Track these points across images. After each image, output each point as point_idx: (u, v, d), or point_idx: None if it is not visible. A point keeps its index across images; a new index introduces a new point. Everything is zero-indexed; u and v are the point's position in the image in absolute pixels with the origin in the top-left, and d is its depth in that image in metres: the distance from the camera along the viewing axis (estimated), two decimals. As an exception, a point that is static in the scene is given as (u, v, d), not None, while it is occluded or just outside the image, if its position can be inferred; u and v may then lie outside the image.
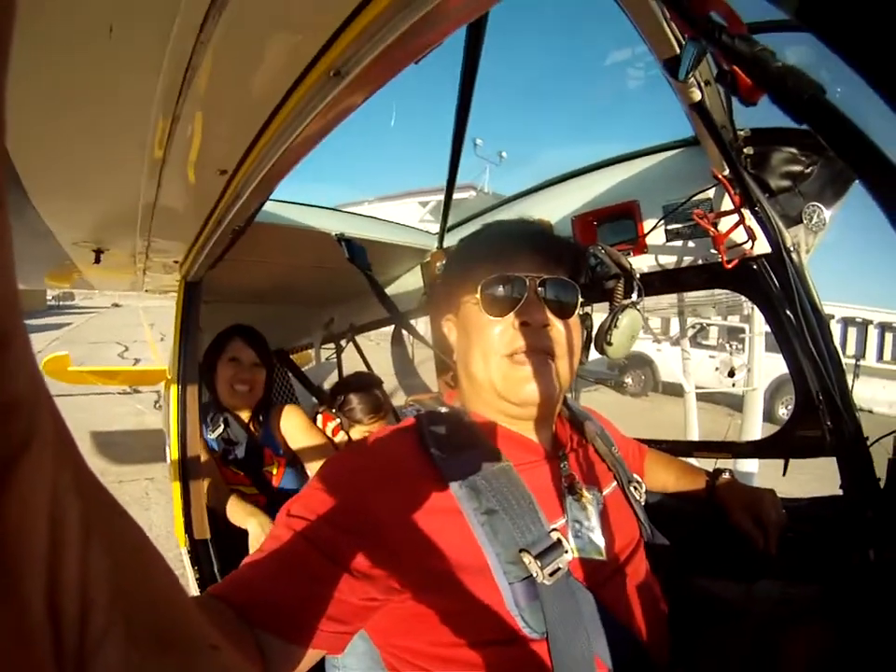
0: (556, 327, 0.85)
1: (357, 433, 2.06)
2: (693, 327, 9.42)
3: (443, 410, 0.90)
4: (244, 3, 0.51)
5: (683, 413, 3.40)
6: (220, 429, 1.89)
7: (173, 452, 1.60)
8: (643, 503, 1.01)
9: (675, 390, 7.73)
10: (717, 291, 2.46)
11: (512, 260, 0.85)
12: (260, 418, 1.98)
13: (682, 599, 0.98)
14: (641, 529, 0.96)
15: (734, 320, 9.46)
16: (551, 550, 0.73)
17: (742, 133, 1.29)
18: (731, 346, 9.40)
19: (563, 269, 0.89)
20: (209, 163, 0.88)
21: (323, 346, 3.36)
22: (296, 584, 0.65)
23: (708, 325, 10.22)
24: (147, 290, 2.79)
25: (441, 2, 0.45)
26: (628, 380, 10.87)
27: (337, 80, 0.57)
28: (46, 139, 0.82)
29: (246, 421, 1.96)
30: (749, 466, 2.78)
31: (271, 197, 1.74)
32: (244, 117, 0.73)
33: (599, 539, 0.84)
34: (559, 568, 0.73)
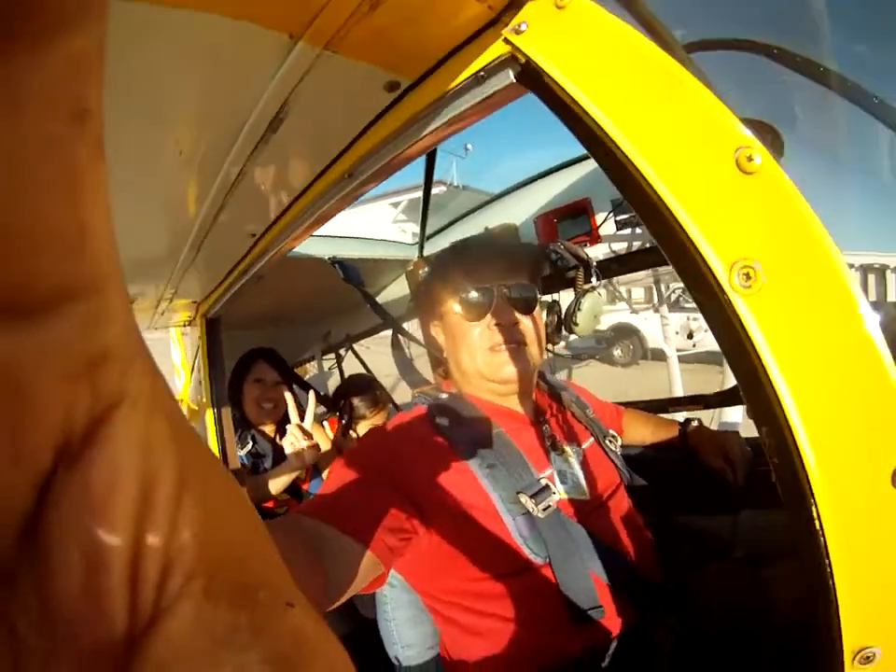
0: (523, 321, 1.05)
1: (363, 428, 2.22)
2: (674, 292, 9.34)
3: (443, 396, 1.09)
4: (282, 136, 0.73)
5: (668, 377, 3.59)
6: (249, 446, 2.04)
7: None
8: (619, 453, 1.17)
9: (664, 356, 7.72)
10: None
11: (482, 273, 1.04)
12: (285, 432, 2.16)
13: (668, 534, 1.10)
14: (620, 474, 1.12)
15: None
16: (542, 492, 0.91)
17: None
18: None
19: (522, 271, 1.09)
20: (243, 229, 1.10)
21: (324, 357, 3.53)
22: (361, 494, 0.82)
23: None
24: (155, 328, 2.96)
25: (422, 137, 0.66)
26: (617, 351, 10.75)
27: (350, 180, 0.79)
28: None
29: (272, 434, 2.12)
30: (733, 416, 2.91)
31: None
32: (276, 199, 0.96)
33: (582, 483, 1.02)
34: (550, 506, 0.90)
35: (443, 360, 1.16)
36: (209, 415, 1.89)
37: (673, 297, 7.96)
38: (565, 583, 0.87)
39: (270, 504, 2.00)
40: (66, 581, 0.13)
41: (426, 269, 1.21)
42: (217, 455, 1.73)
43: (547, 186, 1.97)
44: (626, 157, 0.47)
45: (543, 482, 0.94)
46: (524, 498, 0.90)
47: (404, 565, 0.96)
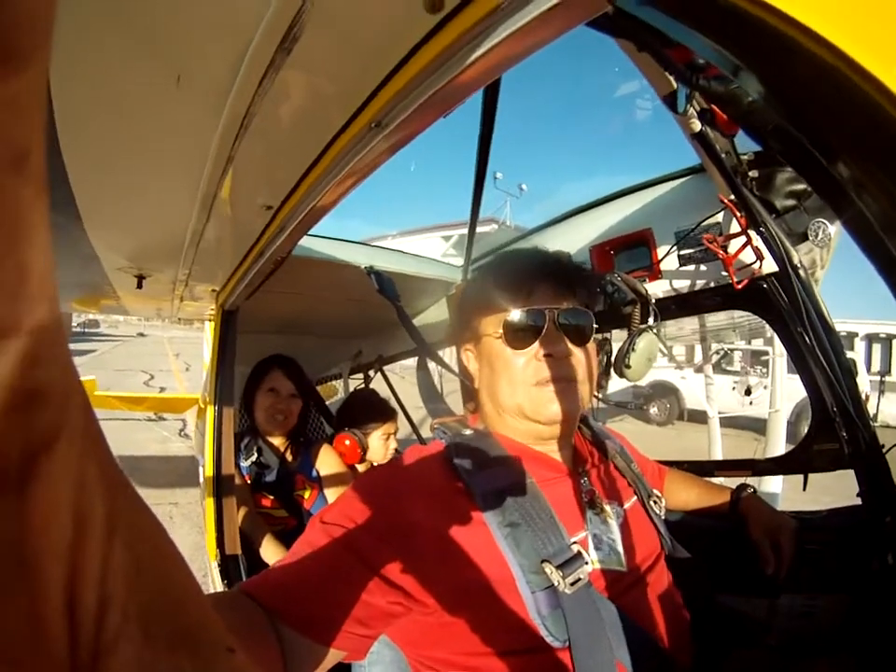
0: (576, 354, 0.89)
1: (375, 439, 2.21)
2: (717, 352, 9.31)
3: (468, 432, 0.93)
4: (298, 61, 0.59)
5: (708, 440, 3.40)
6: (254, 457, 1.97)
7: (207, 469, 1.68)
8: (663, 517, 1.03)
9: (700, 418, 7.68)
10: (737, 315, 2.48)
11: (531, 292, 0.90)
12: (298, 447, 2.08)
13: (705, 613, 0.99)
14: (662, 542, 0.98)
15: (757, 344, 9.36)
16: (572, 561, 0.76)
17: (746, 157, 1.34)
18: (755, 370, 9.25)
19: (577, 296, 0.93)
20: (257, 200, 0.97)
21: (351, 377, 3.42)
22: (326, 584, 0.69)
23: (731, 350, 10.12)
24: (179, 318, 2.91)
25: (467, 67, 0.52)
26: (654, 409, 10.76)
27: (377, 131, 0.65)
28: (107, 172, 0.91)
29: (279, 447, 2.05)
30: (773, 486, 2.77)
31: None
32: (292, 159, 0.82)
33: (620, 551, 0.87)
34: (580, 579, 0.76)
35: (473, 391, 1.01)
36: (209, 414, 1.75)
37: (714, 358, 7.90)
38: (583, 671, 0.72)
39: (266, 504, 1.96)
40: (4, 607, 0.13)
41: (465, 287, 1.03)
42: (212, 459, 1.60)
43: (605, 214, 1.84)
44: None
45: (575, 548, 0.79)
46: (549, 569, 0.75)
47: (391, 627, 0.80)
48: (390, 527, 0.74)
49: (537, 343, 0.88)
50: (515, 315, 0.88)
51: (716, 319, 3.31)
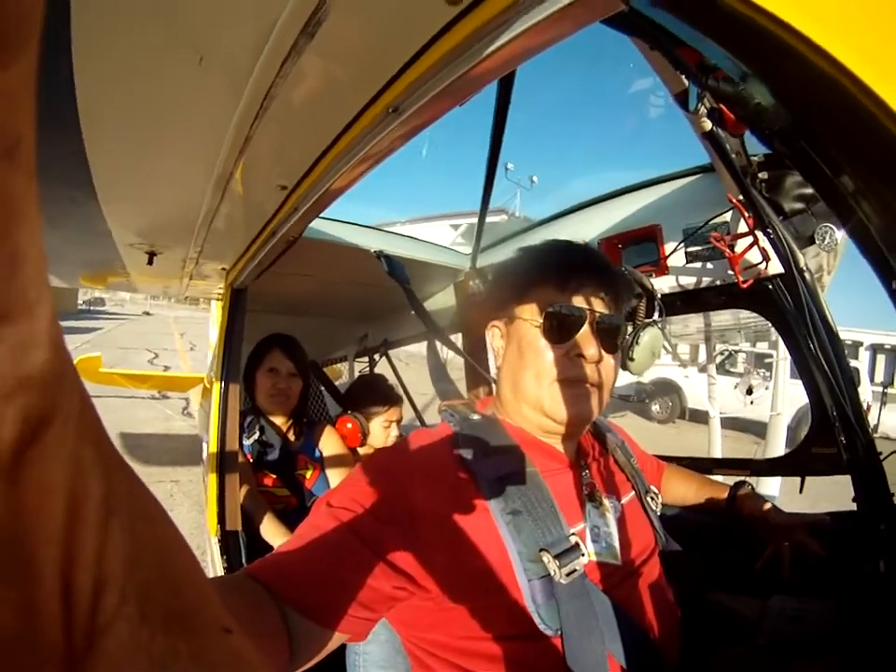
0: (605, 360, 0.90)
1: (376, 425, 2.23)
2: (721, 353, 9.28)
3: (475, 417, 0.93)
4: (320, 45, 0.61)
5: (708, 439, 3.41)
6: (256, 434, 1.99)
7: (211, 445, 1.70)
8: (658, 513, 1.04)
9: (701, 417, 7.67)
10: (742, 317, 2.48)
11: (577, 289, 0.89)
12: (300, 427, 2.10)
13: (696, 609, 1.01)
14: (656, 538, 0.99)
15: (762, 347, 9.33)
16: (569, 552, 0.77)
17: (756, 158, 1.34)
18: (758, 373, 9.23)
19: (616, 302, 0.93)
20: (271, 180, 0.98)
21: (356, 360, 3.44)
22: (331, 568, 0.69)
23: (736, 351, 10.10)
24: (186, 297, 2.93)
25: (485, 58, 0.54)
26: (655, 406, 10.80)
27: (394, 116, 0.66)
28: (124, 149, 0.92)
29: (281, 426, 2.07)
30: (770, 488, 2.77)
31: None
32: (309, 140, 0.83)
33: (615, 545, 0.88)
34: (575, 570, 0.76)
35: (485, 373, 1.01)
36: (215, 391, 1.77)
37: (718, 358, 7.88)
38: (573, 660, 0.73)
39: (268, 483, 1.97)
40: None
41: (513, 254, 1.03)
42: (216, 435, 1.62)
43: (615, 208, 1.85)
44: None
45: (573, 539, 0.80)
46: (546, 558, 0.76)
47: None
48: (396, 512, 0.75)
49: (573, 341, 0.88)
50: (560, 308, 0.88)
51: (721, 320, 3.31)
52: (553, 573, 0.75)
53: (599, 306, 0.90)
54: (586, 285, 0.90)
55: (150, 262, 1.64)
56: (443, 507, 0.77)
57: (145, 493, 0.19)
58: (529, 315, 0.91)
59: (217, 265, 1.78)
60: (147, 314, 36.43)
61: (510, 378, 0.94)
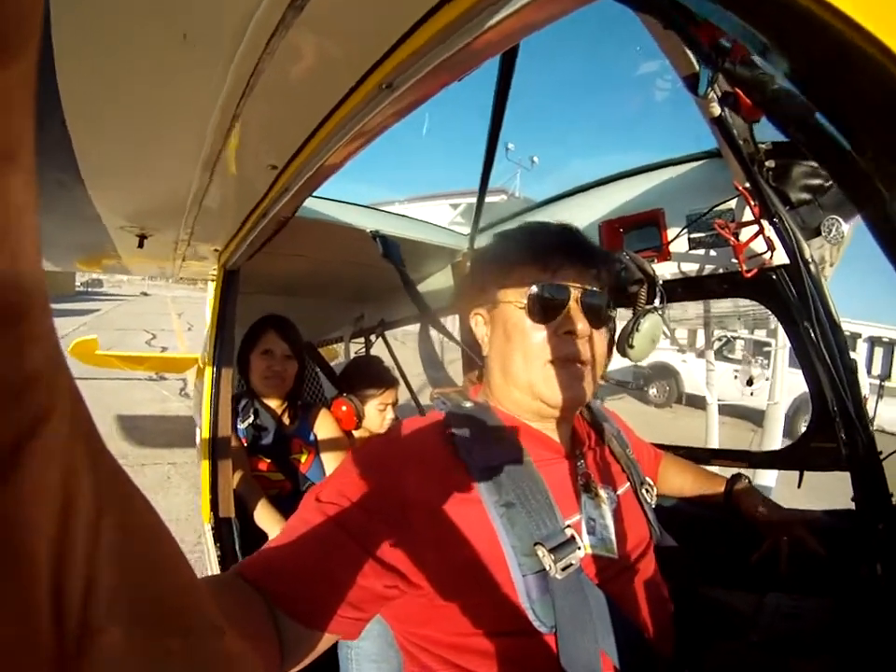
0: (595, 336, 0.88)
1: (372, 408, 2.21)
2: (720, 339, 9.31)
3: (468, 405, 0.92)
4: (310, 19, 0.57)
5: (705, 425, 3.40)
6: (251, 418, 1.96)
7: (204, 431, 1.67)
8: (653, 506, 1.02)
9: (698, 403, 7.71)
10: (742, 304, 2.46)
11: (559, 268, 0.88)
12: (295, 411, 2.08)
13: (690, 604, 0.99)
14: (651, 531, 0.98)
15: (760, 334, 9.35)
16: (564, 545, 0.75)
17: (763, 146, 1.31)
18: (756, 360, 9.28)
19: (599, 280, 0.92)
20: (261, 159, 0.94)
21: (352, 341, 3.41)
22: (321, 569, 0.68)
23: (735, 338, 10.12)
24: (181, 278, 2.89)
25: (485, 32, 0.50)
26: (652, 390, 10.80)
27: (388, 92, 0.63)
28: (108, 129, 0.89)
29: (276, 410, 2.04)
30: (766, 480, 2.77)
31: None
32: (299, 118, 0.79)
33: (612, 537, 0.86)
34: (571, 564, 0.74)
35: (478, 360, 0.99)
36: (207, 375, 1.75)
37: (717, 344, 7.91)
38: (567, 658, 0.71)
39: (263, 468, 1.95)
40: None
41: (491, 241, 1.01)
42: (208, 420, 1.60)
43: (617, 191, 1.81)
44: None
45: (569, 532, 0.78)
46: (541, 552, 0.74)
47: None
48: (386, 504, 0.73)
49: (559, 319, 0.86)
50: (543, 287, 0.86)
51: (721, 306, 3.29)
52: (548, 568, 0.73)
53: (583, 282, 0.89)
54: (568, 263, 0.89)
55: (141, 245, 1.60)
56: (435, 498, 0.75)
57: (135, 493, 0.19)
58: (513, 297, 0.89)
59: (210, 246, 1.74)
60: (145, 294, 36.39)
61: (499, 363, 0.92)
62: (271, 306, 2.19)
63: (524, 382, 0.88)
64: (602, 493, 0.90)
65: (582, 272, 0.89)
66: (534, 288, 0.86)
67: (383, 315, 2.92)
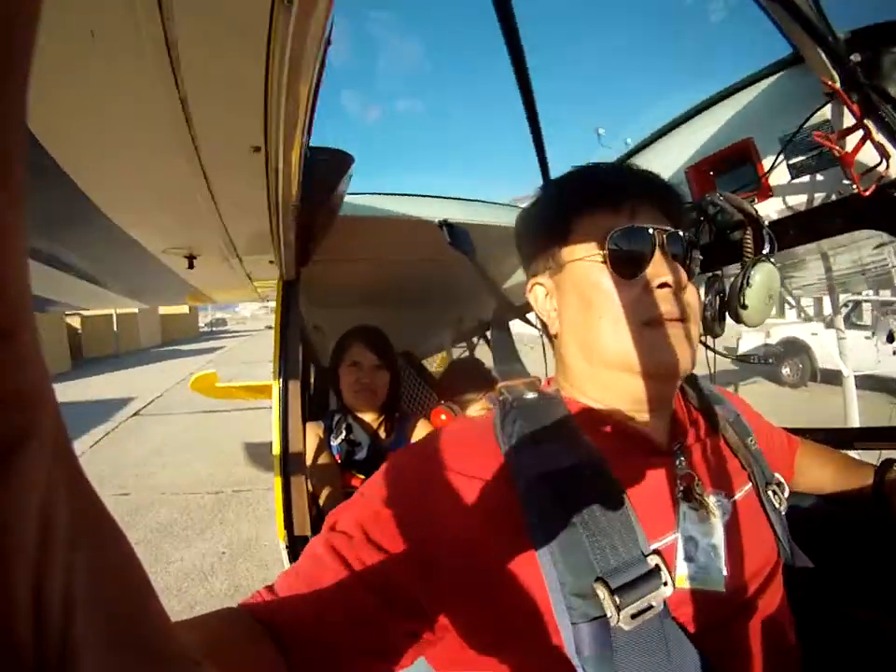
0: (690, 288, 0.70)
1: (474, 412, 2.07)
2: (846, 304, 8.38)
3: (530, 395, 0.72)
4: None
5: (843, 403, 3.00)
6: (344, 434, 1.92)
7: (275, 447, 1.62)
8: (783, 512, 0.77)
9: (833, 378, 6.95)
10: (866, 255, 2.08)
11: (635, 210, 0.70)
12: (392, 423, 2.01)
13: (825, 635, 0.78)
14: (780, 549, 0.74)
15: (886, 295, 8.47)
16: (640, 580, 0.54)
17: (841, 36, 1.06)
18: (889, 321, 8.39)
19: (679, 222, 0.74)
20: (240, 144, 0.85)
21: (454, 346, 3.29)
22: (336, 625, 0.54)
23: (860, 301, 9.10)
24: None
25: None
26: (786, 369, 9.93)
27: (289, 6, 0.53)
28: (104, 156, 0.87)
29: (371, 423, 1.97)
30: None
31: (360, 191, 1.72)
32: (237, 92, 0.71)
33: (720, 565, 0.65)
34: (650, 606, 0.53)
35: (551, 340, 0.80)
36: (275, 391, 1.69)
37: (844, 310, 7.15)
38: None
39: (356, 484, 1.87)
40: None
41: (538, 194, 0.84)
42: (279, 437, 1.54)
43: (695, 130, 1.57)
44: None
45: (652, 560, 0.56)
46: (602, 592, 0.52)
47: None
48: (407, 546, 0.58)
49: (647, 272, 0.68)
50: (624, 232, 0.68)
51: (842, 263, 2.88)
52: (609, 615, 0.52)
53: (665, 224, 0.71)
54: (643, 205, 0.70)
55: (191, 266, 1.58)
56: (469, 528, 0.59)
57: (109, 519, 0.19)
58: (584, 251, 0.70)
59: (264, 257, 1.68)
60: (270, 328, 39.03)
61: (576, 339, 0.73)
62: (360, 319, 2.12)
63: (616, 354, 0.68)
64: (711, 501, 0.68)
65: (659, 212, 0.72)
66: (614, 233, 0.68)
67: (482, 316, 2.75)
